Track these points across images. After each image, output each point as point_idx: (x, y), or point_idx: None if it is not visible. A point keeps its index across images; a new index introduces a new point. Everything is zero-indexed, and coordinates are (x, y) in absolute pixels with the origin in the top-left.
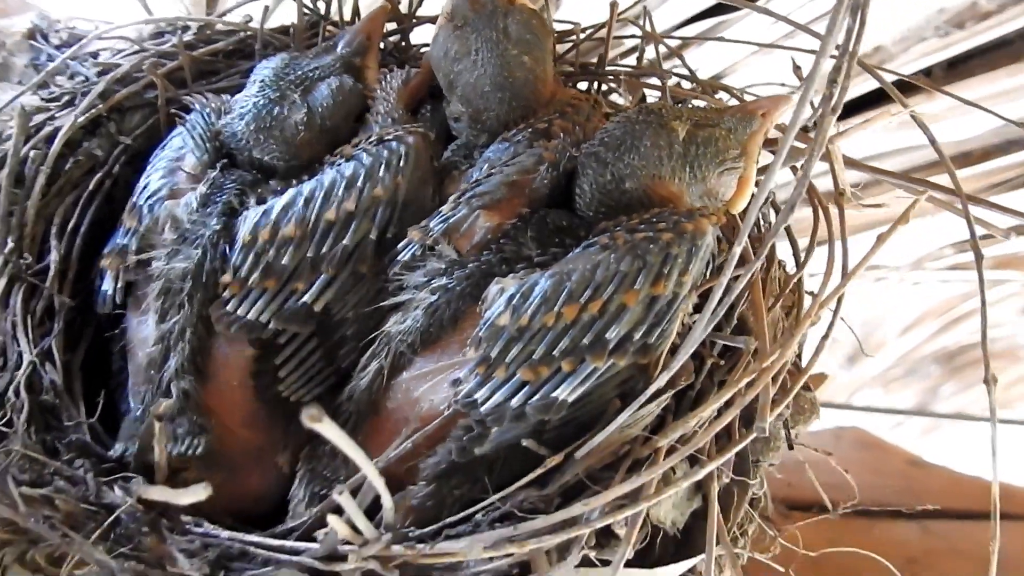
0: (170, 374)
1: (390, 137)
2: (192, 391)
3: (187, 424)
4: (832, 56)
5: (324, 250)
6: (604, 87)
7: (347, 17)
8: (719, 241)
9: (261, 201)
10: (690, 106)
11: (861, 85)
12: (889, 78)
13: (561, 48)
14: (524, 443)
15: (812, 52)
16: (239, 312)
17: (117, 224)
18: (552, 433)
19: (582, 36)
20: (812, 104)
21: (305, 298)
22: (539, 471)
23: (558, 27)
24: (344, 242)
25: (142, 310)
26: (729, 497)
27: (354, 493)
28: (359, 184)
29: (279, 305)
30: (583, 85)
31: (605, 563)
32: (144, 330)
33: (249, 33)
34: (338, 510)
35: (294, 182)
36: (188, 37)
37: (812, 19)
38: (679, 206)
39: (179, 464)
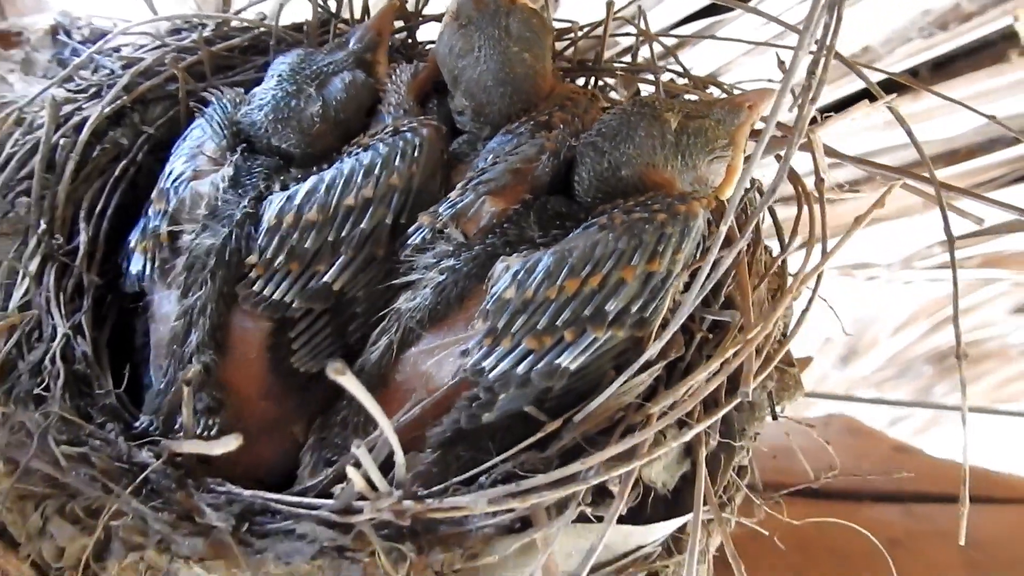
0: (191, 348)
1: (405, 128)
2: (212, 365)
3: (206, 400)
4: (811, 52)
5: (344, 234)
6: (601, 83)
7: (357, 15)
8: (709, 224)
9: (284, 187)
10: (682, 99)
11: (849, 85)
12: (877, 76)
13: (560, 46)
14: (527, 410)
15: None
16: (265, 292)
17: (141, 208)
18: (552, 402)
19: (580, 34)
20: (793, 93)
21: (326, 278)
22: (539, 435)
23: (557, 25)
24: (362, 226)
25: (166, 286)
26: (716, 462)
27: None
28: (376, 172)
29: (302, 285)
30: (581, 81)
31: (600, 519)
32: (167, 306)
33: (264, 30)
34: (355, 465)
35: (314, 169)
36: (206, 34)
37: (801, 20)
38: (672, 191)
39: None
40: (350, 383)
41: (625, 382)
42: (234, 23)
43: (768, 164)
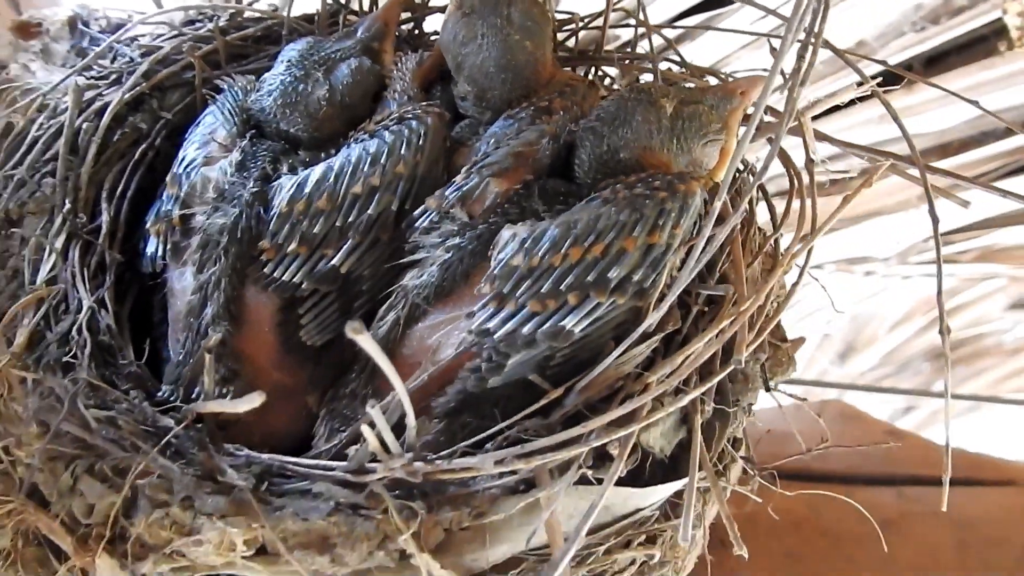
0: (207, 320)
1: (410, 116)
2: (227, 336)
3: (221, 370)
4: (799, 40)
5: (351, 220)
6: (600, 73)
7: (366, 6)
8: (705, 204)
9: (292, 170)
10: (677, 86)
11: (847, 79)
12: (871, 69)
13: (561, 36)
14: (531, 378)
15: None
16: (275, 274)
17: (158, 192)
18: (555, 371)
19: (580, 25)
20: (783, 75)
21: (334, 261)
22: (542, 402)
23: (559, 16)
24: (369, 212)
25: (182, 263)
26: (711, 429)
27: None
28: (382, 161)
29: (311, 268)
30: (581, 71)
31: (600, 481)
32: (183, 281)
33: (276, 20)
34: (370, 426)
35: (322, 155)
36: (220, 24)
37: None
38: (669, 172)
39: None
40: (366, 342)
41: (624, 351)
42: (247, 13)
43: (764, 149)
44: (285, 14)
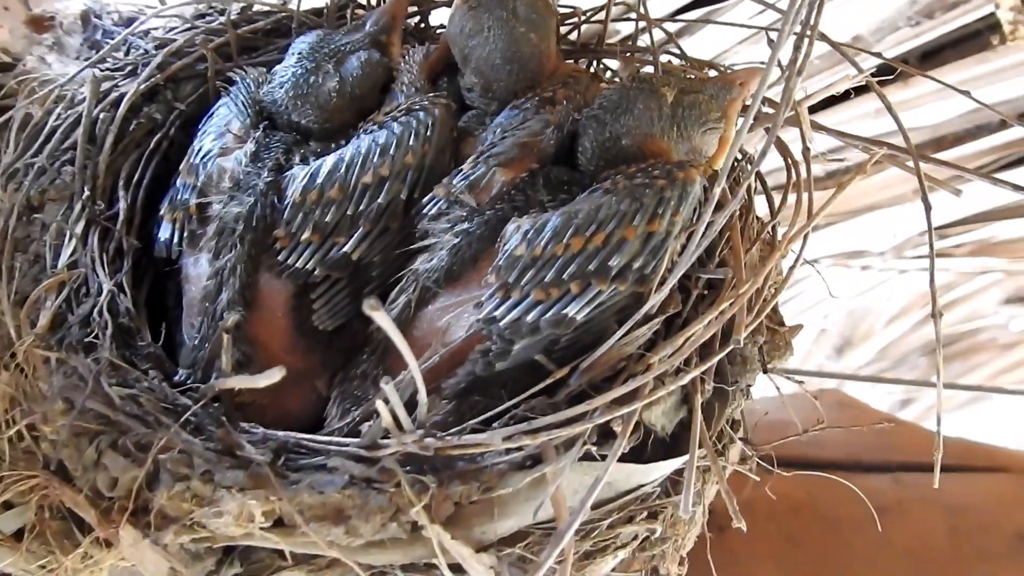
0: (222, 305)
1: (418, 108)
2: (241, 321)
3: (236, 354)
4: (795, 33)
5: (362, 208)
6: (602, 65)
7: (373, 0)
8: (704, 191)
9: (304, 160)
10: (678, 76)
11: (843, 73)
12: (868, 62)
13: (564, 30)
14: (537, 358)
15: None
16: (289, 261)
17: (172, 180)
18: (560, 353)
19: (583, 18)
20: (780, 66)
21: (345, 248)
22: (548, 381)
23: (561, 11)
24: (379, 201)
25: (197, 250)
26: (711, 409)
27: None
28: (392, 152)
29: (323, 255)
30: (584, 63)
31: (604, 458)
32: (199, 267)
33: (286, 14)
34: (384, 402)
35: (332, 146)
36: (232, 17)
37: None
38: (669, 160)
39: None
40: (382, 318)
41: (627, 333)
42: (257, 7)
43: (762, 140)
44: (295, 7)
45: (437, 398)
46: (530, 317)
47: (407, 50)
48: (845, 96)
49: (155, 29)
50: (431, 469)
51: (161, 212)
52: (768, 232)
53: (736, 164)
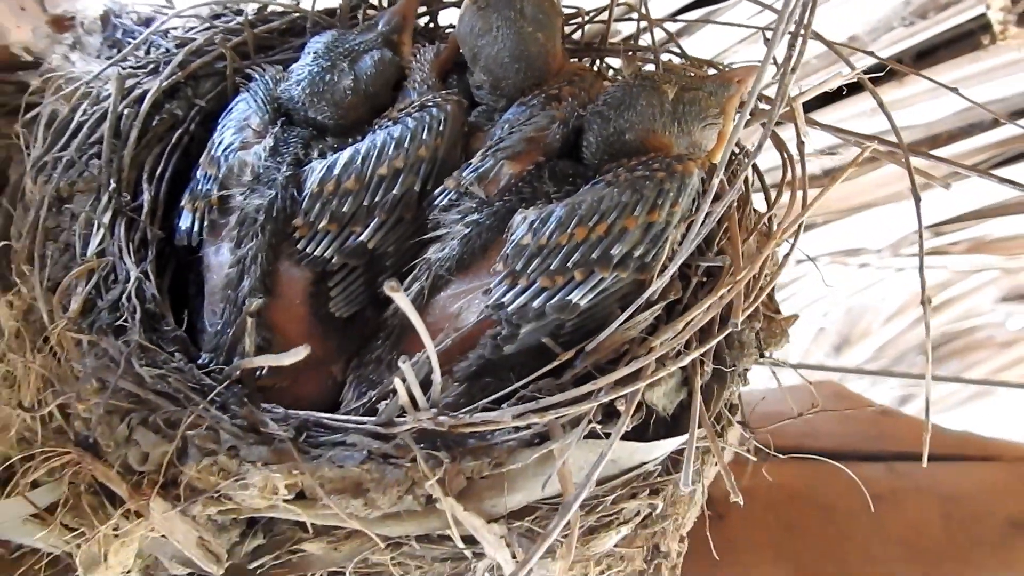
0: (244, 292)
1: (431, 104)
2: (262, 308)
3: (256, 340)
4: (790, 33)
5: (377, 199)
6: (604, 64)
7: (384, 1)
8: (703, 183)
9: (321, 154)
10: (679, 74)
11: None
12: (864, 62)
13: (568, 29)
14: (544, 341)
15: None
16: (308, 250)
17: (192, 172)
18: (566, 338)
19: (586, 18)
20: (776, 62)
21: (362, 238)
22: (554, 364)
23: (566, 11)
24: (394, 192)
25: (219, 239)
26: (710, 391)
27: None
28: (406, 145)
29: (340, 244)
30: (588, 62)
31: (608, 436)
32: (220, 256)
33: (300, 14)
34: (401, 380)
35: (348, 141)
36: (248, 17)
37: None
38: (670, 153)
39: None
40: (401, 299)
41: (629, 318)
42: (271, 8)
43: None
44: (309, 8)
45: (450, 380)
46: (536, 303)
47: (418, 49)
48: (843, 95)
49: (174, 29)
50: (444, 445)
51: (182, 203)
52: (765, 223)
53: (734, 157)
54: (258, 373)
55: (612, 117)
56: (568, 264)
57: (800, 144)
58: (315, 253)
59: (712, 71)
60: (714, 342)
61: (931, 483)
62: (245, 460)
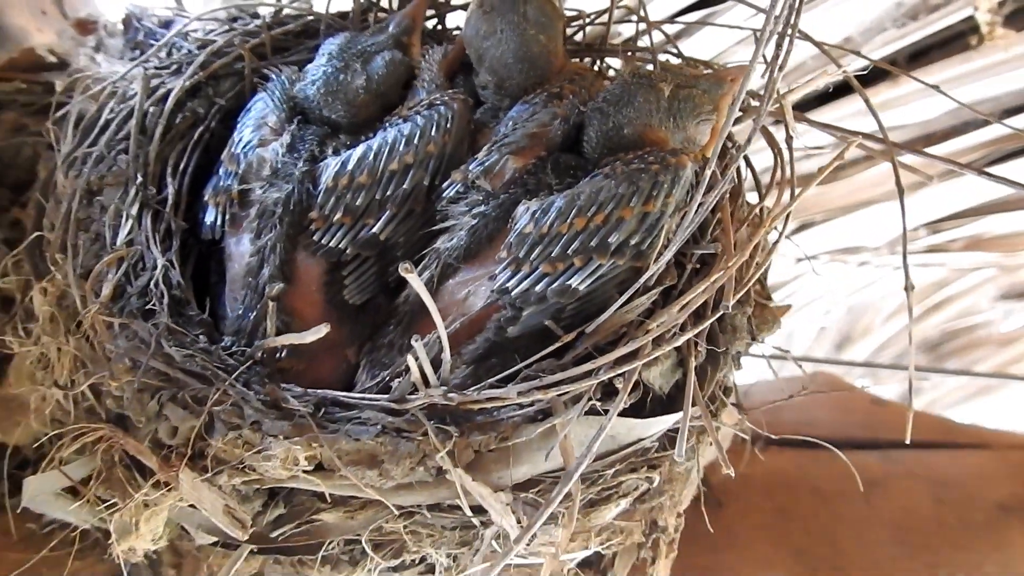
0: (264, 279)
1: (439, 102)
2: (282, 293)
3: (275, 324)
4: (778, 32)
5: (388, 193)
6: (604, 64)
7: (394, 4)
8: (697, 175)
9: (335, 151)
10: (675, 72)
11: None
12: (857, 63)
13: (569, 31)
14: (546, 323)
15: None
16: (323, 241)
17: (214, 168)
18: (566, 321)
19: (587, 20)
20: (765, 58)
21: (374, 230)
22: (556, 345)
23: (567, 13)
24: (404, 187)
25: (240, 231)
26: (704, 372)
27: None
28: (416, 141)
29: (354, 235)
30: (588, 63)
31: (607, 411)
32: (241, 246)
33: (314, 17)
34: (414, 357)
35: (361, 138)
36: (265, 20)
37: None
38: (665, 148)
39: None
40: (415, 280)
41: (627, 302)
42: (286, 11)
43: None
44: (323, 11)
45: (458, 360)
46: (538, 288)
47: (426, 50)
48: (840, 95)
49: (195, 31)
50: (454, 420)
51: (205, 197)
52: (756, 214)
53: (726, 150)
54: (278, 355)
55: (611, 113)
56: (568, 251)
57: (788, 138)
58: (330, 244)
59: (707, 70)
60: (707, 324)
61: (923, 469)
62: (268, 434)
